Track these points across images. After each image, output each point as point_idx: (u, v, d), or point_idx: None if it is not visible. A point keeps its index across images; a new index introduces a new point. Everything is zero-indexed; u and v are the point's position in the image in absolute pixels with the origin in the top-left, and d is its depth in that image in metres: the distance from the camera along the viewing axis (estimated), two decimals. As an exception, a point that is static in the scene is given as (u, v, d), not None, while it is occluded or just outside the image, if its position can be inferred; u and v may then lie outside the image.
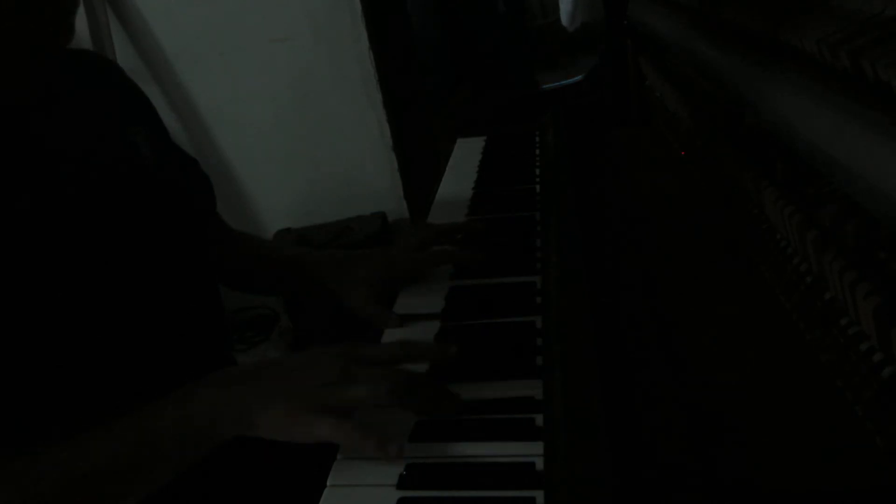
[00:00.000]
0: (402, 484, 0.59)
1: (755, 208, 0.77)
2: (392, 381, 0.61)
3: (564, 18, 2.70)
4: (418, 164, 2.02)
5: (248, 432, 0.61)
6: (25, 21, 0.61)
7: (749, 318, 0.74)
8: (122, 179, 0.75)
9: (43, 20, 0.62)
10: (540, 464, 0.58)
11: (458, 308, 0.83)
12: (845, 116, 0.53)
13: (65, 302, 0.65)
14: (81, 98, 0.76)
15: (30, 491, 0.55)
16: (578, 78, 2.53)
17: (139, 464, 0.59)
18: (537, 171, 1.20)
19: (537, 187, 1.13)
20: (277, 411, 0.60)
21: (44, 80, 0.72)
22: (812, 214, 0.62)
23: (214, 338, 0.87)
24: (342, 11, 1.91)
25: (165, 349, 0.74)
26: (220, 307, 0.90)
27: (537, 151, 1.28)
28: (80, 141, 0.72)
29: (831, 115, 0.55)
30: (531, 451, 0.59)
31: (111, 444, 0.59)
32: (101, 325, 0.67)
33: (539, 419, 0.62)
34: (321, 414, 0.59)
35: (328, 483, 0.60)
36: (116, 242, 0.71)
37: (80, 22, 1.84)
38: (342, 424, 0.59)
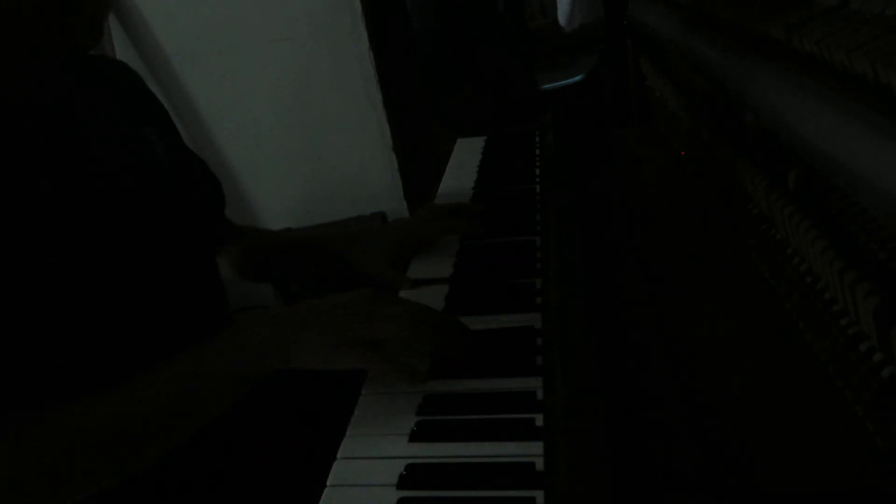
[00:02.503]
0: (402, 484, 0.59)
1: (755, 208, 0.77)
2: (415, 315, 0.68)
3: (561, 19, 2.70)
4: (418, 164, 2.02)
5: (288, 364, 0.65)
6: (61, 22, 0.65)
7: (749, 317, 0.74)
8: (137, 173, 0.78)
9: (77, 22, 0.66)
10: (540, 464, 0.58)
11: (458, 308, 0.83)
12: (846, 116, 0.53)
13: (73, 293, 0.66)
14: (102, 97, 0.80)
15: (89, 431, 0.59)
16: (578, 78, 2.54)
17: (195, 396, 0.64)
18: (537, 171, 1.19)
19: (537, 187, 1.13)
20: (313, 343, 0.65)
21: (71, 77, 0.76)
22: (812, 214, 0.62)
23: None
24: (342, 11, 1.91)
25: (169, 343, 0.75)
26: (224, 303, 0.92)
27: (537, 151, 1.28)
28: (100, 135, 0.75)
29: (832, 115, 0.55)
30: (531, 451, 0.59)
31: (167, 381, 0.63)
32: (108, 315, 0.69)
33: (539, 419, 0.62)
34: (353, 345, 0.65)
35: (328, 483, 0.60)
36: (128, 233, 0.73)
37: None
38: (373, 355, 0.65)
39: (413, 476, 0.59)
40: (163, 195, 0.80)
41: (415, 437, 0.64)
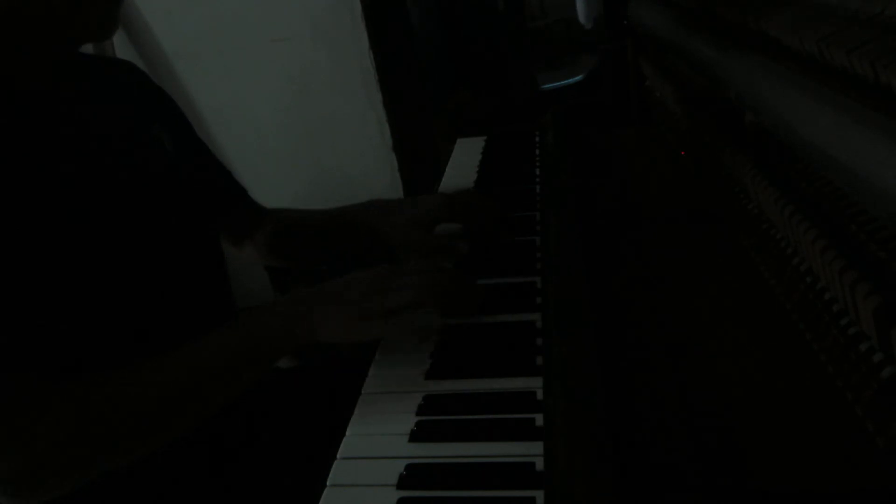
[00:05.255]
0: (402, 484, 0.59)
1: (755, 208, 0.77)
2: (427, 281, 0.72)
3: (581, 16, 2.69)
4: (418, 164, 2.02)
5: (312, 338, 0.70)
6: (80, 12, 0.67)
7: (749, 318, 0.74)
8: (144, 166, 0.79)
9: (94, 12, 0.68)
10: (540, 464, 0.58)
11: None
12: (846, 116, 0.53)
13: (76, 280, 0.67)
14: (112, 94, 0.82)
15: (135, 399, 0.63)
16: (578, 78, 2.54)
17: (231, 368, 0.68)
18: (537, 171, 1.19)
19: (537, 187, 1.13)
20: (335, 317, 0.70)
21: (80, 72, 0.79)
22: (812, 214, 0.62)
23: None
24: (342, 11, 1.91)
25: (174, 338, 0.75)
26: (230, 295, 0.92)
27: (537, 151, 1.28)
28: (110, 130, 0.77)
29: (832, 114, 0.55)
30: (531, 451, 0.59)
31: (206, 355, 0.67)
32: (112, 305, 0.70)
33: (539, 419, 0.62)
34: (371, 315, 0.69)
35: (328, 483, 0.60)
36: (136, 221, 0.74)
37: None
38: (390, 323, 0.69)
39: (413, 476, 0.59)
40: (170, 187, 0.82)
41: (415, 437, 0.64)
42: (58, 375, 0.62)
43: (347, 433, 0.65)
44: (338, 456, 0.63)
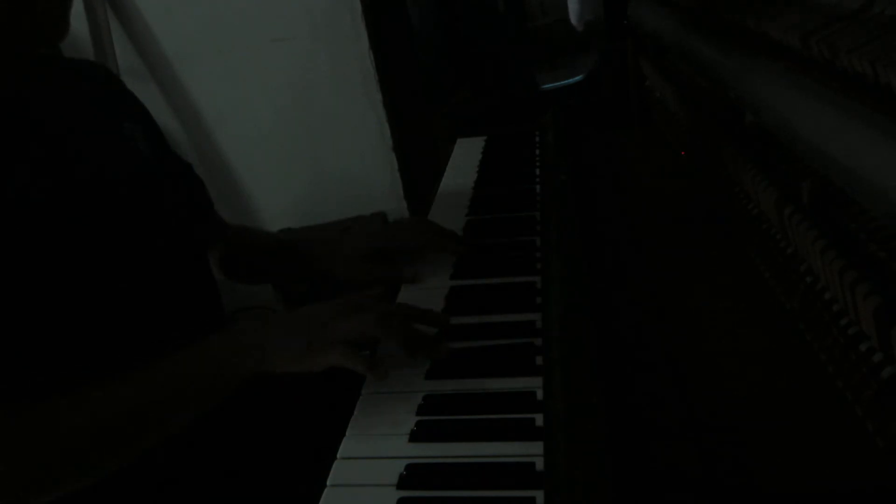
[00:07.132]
0: (402, 484, 0.59)
1: (755, 208, 0.77)
2: (382, 315, 0.70)
3: (573, 17, 2.69)
4: (418, 164, 2.02)
5: (265, 365, 0.68)
6: (19, 12, 0.64)
7: (749, 318, 0.74)
8: (117, 170, 0.78)
9: (40, 16, 0.66)
10: (540, 464, 0.58)
11: (458, 308, 0.83)
12: (846, 116, 0.53)
13: (59, 289, 0.66)
14: (83, 97, 0.80)
15: (72, 428, 0.62)
16: (578, 78, 2.54)
17: (179, 397, 0.67)
18: (537, 171, 1.19)
19: (537, 187, 1.13)
20: (286, 347, 0.69)
21: (45, 74, 0.77)
22: (812, 214, 0.62)
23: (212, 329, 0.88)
24: (342, 11, 1.91)
25: (160, 343, 0.75)
26: (218, 300, 0.92)
27: (537, 151, 1.28)
28: (81, 130, 0.76)
29: (832, 114, 0.55)
30: (531, 451, 0.59)
31: (156, 378, 0.66)
32: (95, 313, 0.69)
33: (539, 419, 0.62)
34: (322, 345, 0.68)
35: (328, 483, 0.60)
36: (111, 230, 0.73)
37: (80, 22, 1.83)
38: (339, 350, 0.67)
39: (413, 476, 0.59)
40: (147, 190, 0.80)
41: (415, 437, 0.64)
42: (20, 393, 0.61)
43: (347, 433, 0.65)
44: (338, 456, 0.63)
